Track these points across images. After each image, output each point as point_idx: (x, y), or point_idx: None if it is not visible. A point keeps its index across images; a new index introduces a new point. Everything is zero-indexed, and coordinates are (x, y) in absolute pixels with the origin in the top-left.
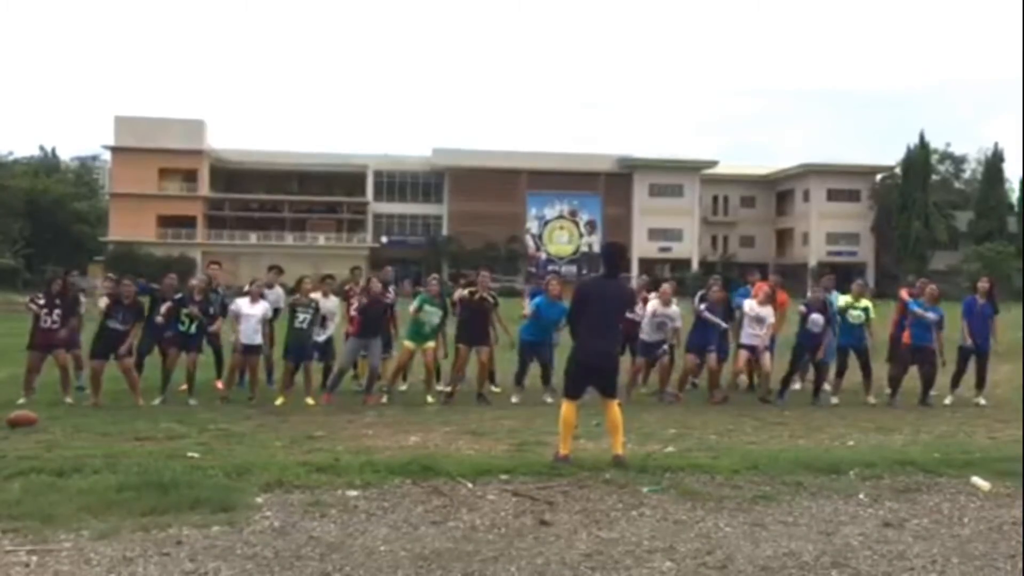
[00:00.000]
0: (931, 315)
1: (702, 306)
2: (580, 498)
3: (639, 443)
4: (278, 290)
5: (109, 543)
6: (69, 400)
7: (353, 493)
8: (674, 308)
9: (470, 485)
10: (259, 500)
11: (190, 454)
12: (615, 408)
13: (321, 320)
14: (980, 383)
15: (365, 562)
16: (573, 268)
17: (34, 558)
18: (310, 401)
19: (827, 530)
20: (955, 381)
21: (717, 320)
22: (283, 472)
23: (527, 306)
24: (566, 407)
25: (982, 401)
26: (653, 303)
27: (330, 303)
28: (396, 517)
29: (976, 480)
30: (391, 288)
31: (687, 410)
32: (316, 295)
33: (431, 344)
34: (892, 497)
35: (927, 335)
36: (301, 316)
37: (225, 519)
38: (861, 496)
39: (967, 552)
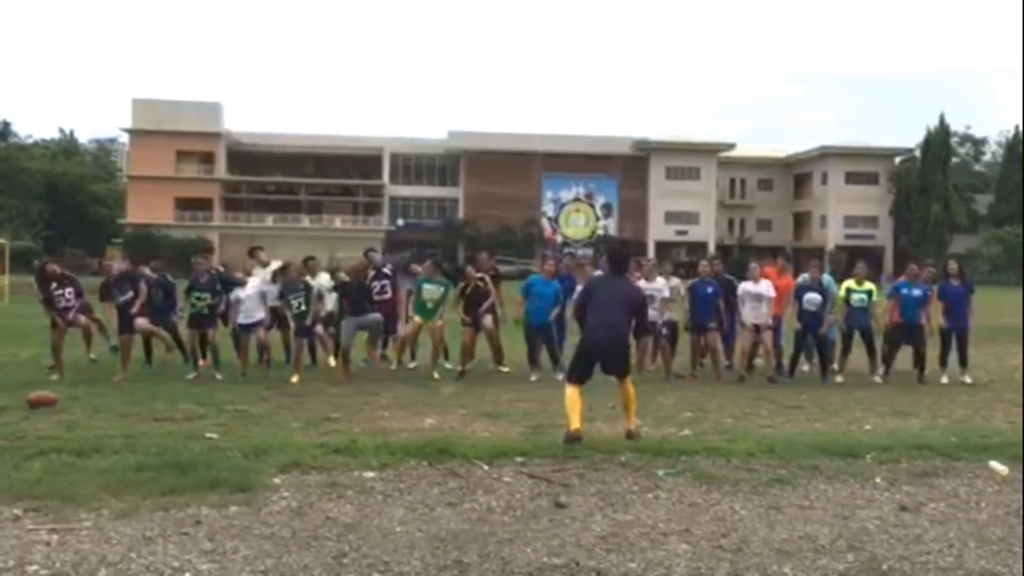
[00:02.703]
0: (916, 292)
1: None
2: (596, 481)
3: (655, 426)
4: (274, 263)
5: (129, 522)
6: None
7: (369, 475)
8: (659, 281)
9: (486, 467)
10: (276, 481)
11: (208, 435)
12: (628, 385)
13: (319, 296)
14: (962, 361)
15: (381, 543)
16: (589, 251)
17: (55, 537)
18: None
19: (843, 514)
20: (942, 360)
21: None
22: (300, 453)
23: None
24: (570, 390)
25: (967, 379)
26: (641, 282)
27: (320, 279)
28: (412, 499)
29: (994, 464)
30: (388, 269)
31: (702, 393)
32: (305, 277)
33: (438, 322)
34: (909, 481)
35: (916, 314)
36: (294, 301)
37: (243, 499)
38: (878, 480)
39: (984, 536)
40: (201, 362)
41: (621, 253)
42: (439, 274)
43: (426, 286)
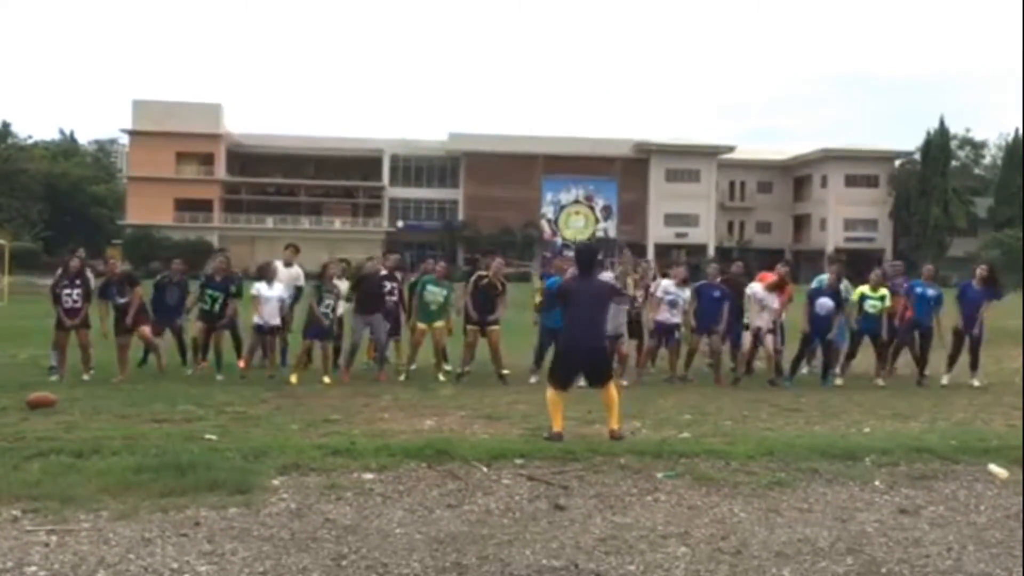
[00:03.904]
0: (930, 292)
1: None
2: (595, 483)
3: (654, 429)
4: (296, 269)
5: (127, 524)
6: (86, 377)
7: (369, 476)
8: (687, 291)
9: (485, 469)
10: (275, 482)
11: (207, 436)
12: (611, 387)
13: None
14: (973, 364)
15: (380, 544)
16: None
17: (54, 538)
18: (327, 380)
19: (842, 516)
20: (950, 362)
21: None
22: (299, 455)
23: (540, 295)
24: (551, 393)
25: (976, 383)
26: (667, 282)
27: (343, 285)
28: (411, 500)
29: (993, 468)
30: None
31: (702, 396)
32: (335, 280)
33: (440, 323)
34: (908, 484)
35: (928, 314)
36: (327, 300)
37: (242, 501)
38: (877, 483)
39: (983, 540)
40: (202, 363)
41: (589, 252)
42: (446, 278)
43: (430, 287)
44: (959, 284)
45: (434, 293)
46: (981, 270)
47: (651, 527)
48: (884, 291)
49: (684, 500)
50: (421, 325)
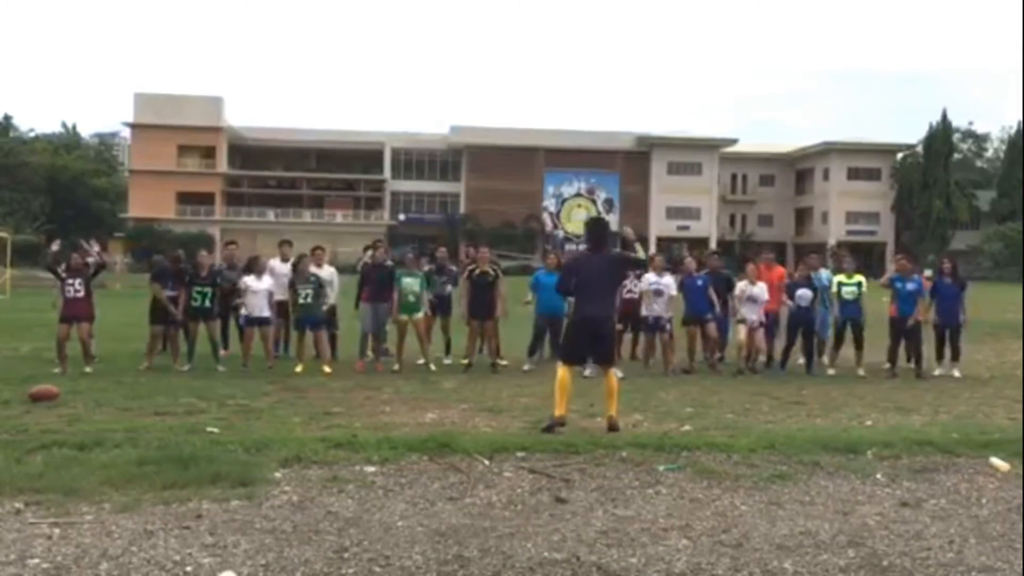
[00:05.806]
0: (910, 286)
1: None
2: (596, 476)
3: (656, 422)
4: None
5: (130, 516)
6: (89, 369)
7: (371, 469)
8: (667, 278)
9: (487, 462)
10: (277, 475)
11: (210, 429)
12: (612, 376)
13: (323, 287)
14: (954, 356)
15: (382, 537)
16: None
17: (56, 530)
18: (326, 369)
19: (844, 509)
20: (939, 354)
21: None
22: (301, 448)
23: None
24: (562, 371)
25: (956, 373)
26: (649, 274)
27: (325, 273)
28: (413, 493)
29: (995, 460)
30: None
31: (704, 389)
32: (313, 269)
33: (420, 315)
34: (910, 477)
35: (910, 308)
36: (303, 292)
37: (244, 493)
38: (878, 476)
39: (985, 532)
40: (222, 352)
41: (600, 227)
42: (419, 267)
43: (405, 279)
44: (933, 280)
45: (409, 283)
46: (945, 265)
47: (652, 520)
48: (860, 277)
49: (686, 493)
50: (402, 317)
